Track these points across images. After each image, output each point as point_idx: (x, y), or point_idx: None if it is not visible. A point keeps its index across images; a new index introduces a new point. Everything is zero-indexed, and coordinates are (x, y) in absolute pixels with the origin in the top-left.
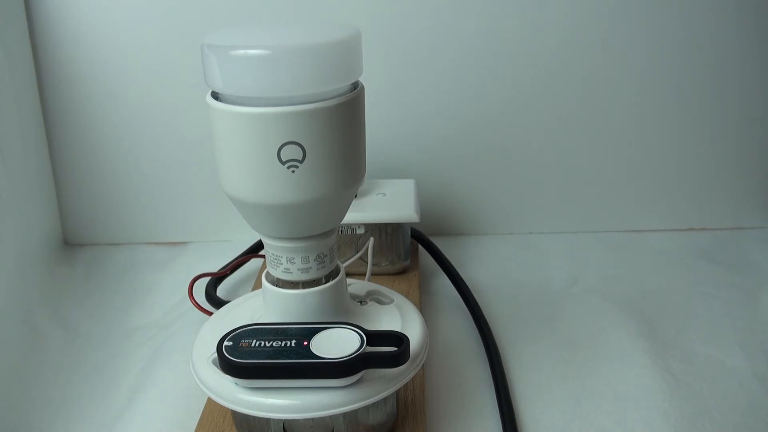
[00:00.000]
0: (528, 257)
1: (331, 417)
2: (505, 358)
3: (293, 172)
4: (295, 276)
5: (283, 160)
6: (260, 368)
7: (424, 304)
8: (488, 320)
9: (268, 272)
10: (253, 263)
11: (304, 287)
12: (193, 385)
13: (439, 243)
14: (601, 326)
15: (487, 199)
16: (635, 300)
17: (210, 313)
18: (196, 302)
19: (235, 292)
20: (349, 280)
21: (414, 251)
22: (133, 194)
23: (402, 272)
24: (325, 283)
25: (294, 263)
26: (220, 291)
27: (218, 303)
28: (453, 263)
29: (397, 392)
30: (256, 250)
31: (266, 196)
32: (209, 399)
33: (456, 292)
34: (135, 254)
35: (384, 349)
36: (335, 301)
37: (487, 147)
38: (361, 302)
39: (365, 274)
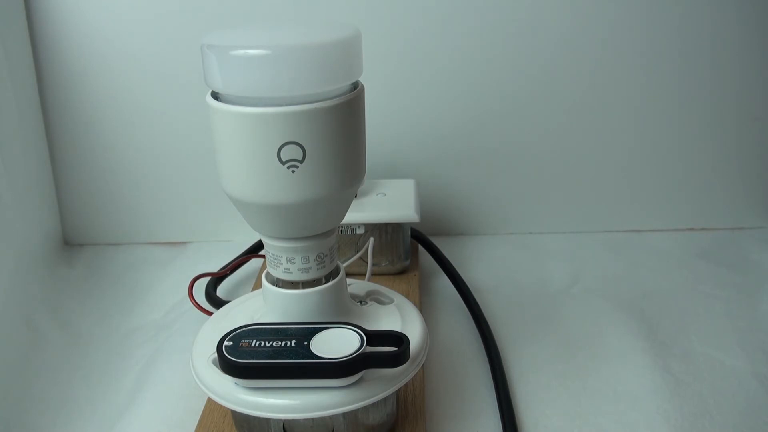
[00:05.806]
0: (528, 257)
1: (331, 417)
2: (505, 358)
3: (293, 172)
4: (295, 276)
5: (283, 160)
6: (260, 368)
7: (424, 304)
8: (488, 320)
9: (268, 272)
10: (253, 263)
11: (304, 287)
12: (193, 385)
13: (439, 243)
14: (601, 326)
15: (487, 199)
16: (635, 300)
17: (210, 313)
18: (196, 302)
19: (235, 292)
20: (349, 280)
21: (414, 251)
22: (133, 194)
23: (402, 272)
24: (325, 283)
25: (294, 263)
26: (220, 291)
27: (218, 303)
28: (453, 263)
29: (397, 392)
30: (256, 250)
31: (266, 196)
32: (209, 399)
33: (456, 292)
34: (135, 254)
35: (384, 349)
36: (335, 301)
37: (487, 147)
38: (361, 302)
39: (365, 274)
